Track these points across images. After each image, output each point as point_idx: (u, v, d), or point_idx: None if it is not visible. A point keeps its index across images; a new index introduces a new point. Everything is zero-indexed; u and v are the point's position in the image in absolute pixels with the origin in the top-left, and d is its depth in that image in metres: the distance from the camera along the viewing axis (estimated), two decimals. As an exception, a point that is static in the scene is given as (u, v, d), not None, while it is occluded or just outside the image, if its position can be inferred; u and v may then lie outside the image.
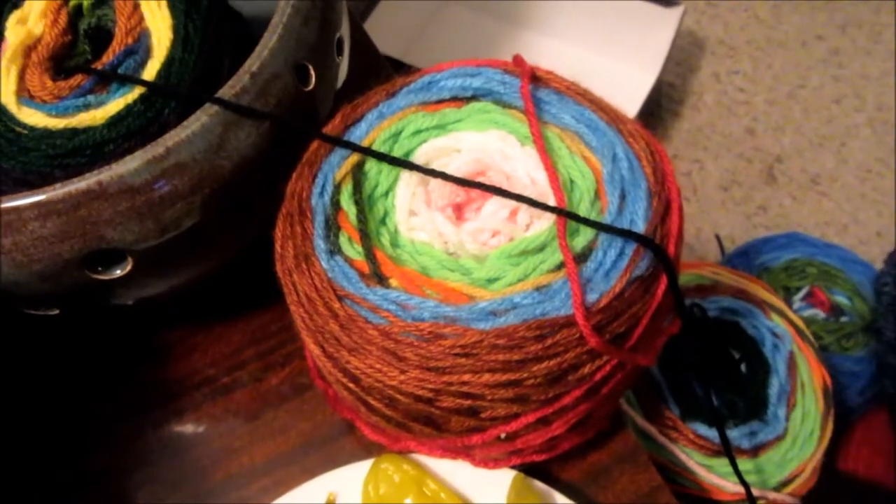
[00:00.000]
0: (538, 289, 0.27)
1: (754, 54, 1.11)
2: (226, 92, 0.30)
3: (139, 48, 0.33)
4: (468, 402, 0.28)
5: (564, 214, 0.28)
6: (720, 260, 0.64)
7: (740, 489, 0.41)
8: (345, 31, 0.38)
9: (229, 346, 0.41)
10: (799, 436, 0.44)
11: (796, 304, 0.57)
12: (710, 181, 1.03)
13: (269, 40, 0.32)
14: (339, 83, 0.38)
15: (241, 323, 0.41)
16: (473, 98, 0.32)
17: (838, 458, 0.58)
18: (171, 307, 0.41)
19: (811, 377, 0.45)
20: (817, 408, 0.45)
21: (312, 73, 0.33)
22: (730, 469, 0.42)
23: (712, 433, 0.43)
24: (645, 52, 0.94)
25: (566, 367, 0.27)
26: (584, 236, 0.28)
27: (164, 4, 0.34)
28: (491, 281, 0.28)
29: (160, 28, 0.34)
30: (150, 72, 0.33)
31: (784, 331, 0.46)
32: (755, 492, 0.42)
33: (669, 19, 0.95)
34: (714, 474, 0.41)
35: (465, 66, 0.33)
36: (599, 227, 0.28)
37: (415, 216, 0.30)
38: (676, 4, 0.96)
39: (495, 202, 0.29)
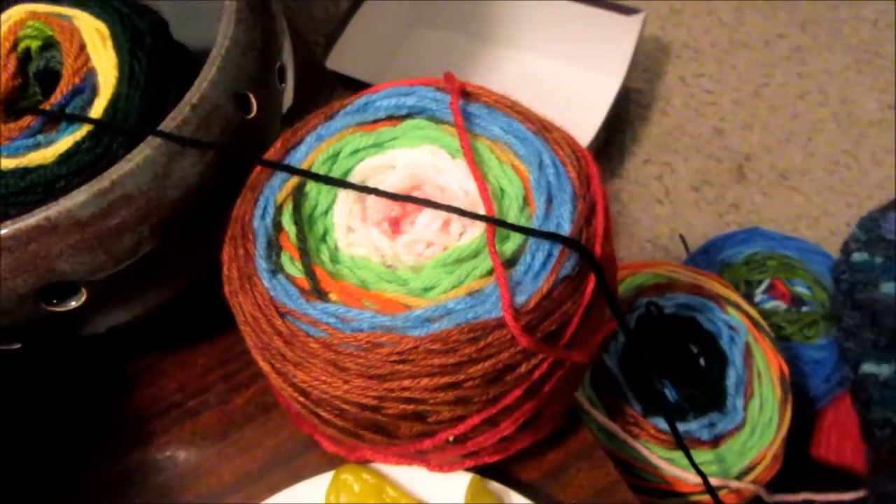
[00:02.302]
0: (471, 294, 0.29)
1: (718, 56, 1.13)
2: (168, 124, 0.32)
3: (86, 87, 0.35)
4: (412, 408, 0.29)
5: (493, 222, 0.29)
6: (685, 258, 0.65)
7: (697, 480, 0.42)
8: (287, 58, 0.39)
9: (195, 370, 0.42)
10: (758, 424, 0.45)
11: (758, 297, 0.58)
12: (682, 182, 1.04)
13: (208, 72, 0.33)
14: (286, 107, 0.39)
15: (206, 346, 0.42)
16: (408, 116, 0.34)
17: (811, 445, 0.59)
18: (138, 335, 0.42)
19: (768, 366, 0.46)
20: (775, 396, 0.46)
21: (254, 101, 0.35)
22: (687, 462, 0.43)
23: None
24: (610, 59, 0.96)
25: (501, 368, 0.29)
26: (513, 241, 0.30)
27: (109, 44, 0.36)
28: (427, 289, 0.29)
29: (106, 67, 0.35)
30: (97, 109, 0.34)
31: (739, 323, 0.47)
32: (717, 481, 0.43)
33: (631, 26, 0.97)
34: (676, 467, 0.42)
35: (399, 86, 0.34)
36: (525, 231, 0.29)
37: (353, 232, 0.31)
38: (637, 12, 0.98)
39: (428, 214, 0.31)
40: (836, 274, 0.55)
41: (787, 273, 0.58)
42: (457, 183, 0.32)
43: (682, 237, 0.73)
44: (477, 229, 0.30)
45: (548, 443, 0.37)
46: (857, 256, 0.55)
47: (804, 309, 0.57)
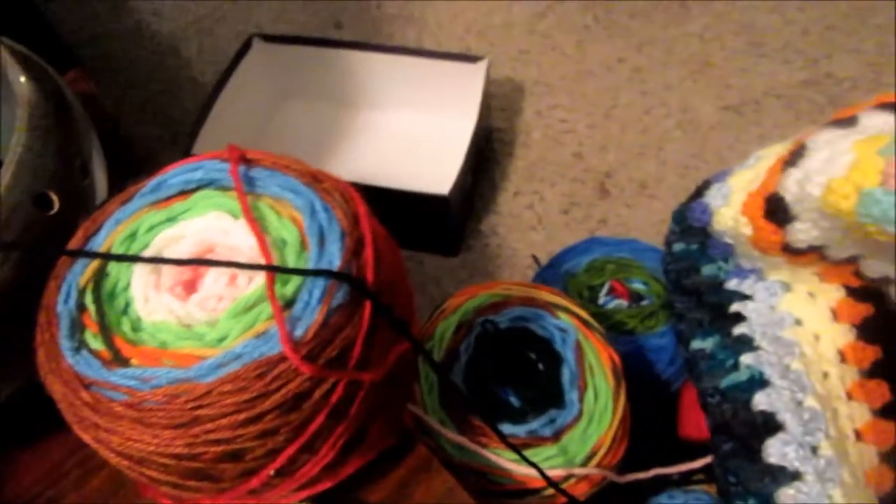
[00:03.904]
0: (257, 336, 0.32)
1: (568, 87, 1.21)
2: (-34, 231, 0.34)
3: None
4: (222, 448, 0.32)
5: (269, 269, 0.33)
6: (533, 276, 0.70)
7: (550, 473, 0.46)
8: (95, 154, 0.42)
9: (52, 459, 0.43)
10: (594, 413, 0.49)
11: (602, 299, 0.62)
12: (552, 208, 1.10)
13: (2, 178, 0.36)
14: (100, 197, 0.42)
15: (61, 435, 0.44)
16: (199, 188, 0.37)
17: (678, 427, 0.63)
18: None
19: (599, 360, 0.51)
20: (608, 385, 0.50)
21: (55, 198, 0.38)
22: (536, 459, 0.46)
23: (517, 429, 0.47)
24: (462, 104, 1.03)
25: (293, 397, 0.32)
26: (293, 283, 0.33)
27: (-87, 168, 0.38)
28: (221, 339, 0.33)
29: (-89, 189, 0.37)
30: None
31: (568, 324, 0.51)
32: (563, 471, 0.46)
33: (478, 72, 1.04)
34: (523, 466, 0.45)
35: (188, 163, 0.38)
36: (298, 272, 0.33)
37: (150, 301, 0.34)
38: (481, 59, 1.05)
39: (214, 273, 0.34)
40: (664, 266, 0.60)
41: (624, 273, 0.63)
42: (242, 241, 0.35)
43: (534, 257, 0.78)
44: (261, 278, 0.34)
45: (387, 463, 0.40)
46: (677, 247, 0.60)
47: (643, 303, 0.62)
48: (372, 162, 1.05)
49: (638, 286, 0.63)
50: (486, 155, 1.13)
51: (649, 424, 0.60)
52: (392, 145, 1.06)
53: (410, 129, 1.10)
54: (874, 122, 0.45)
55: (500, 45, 1.23)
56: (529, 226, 1.06)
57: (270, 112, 1.08)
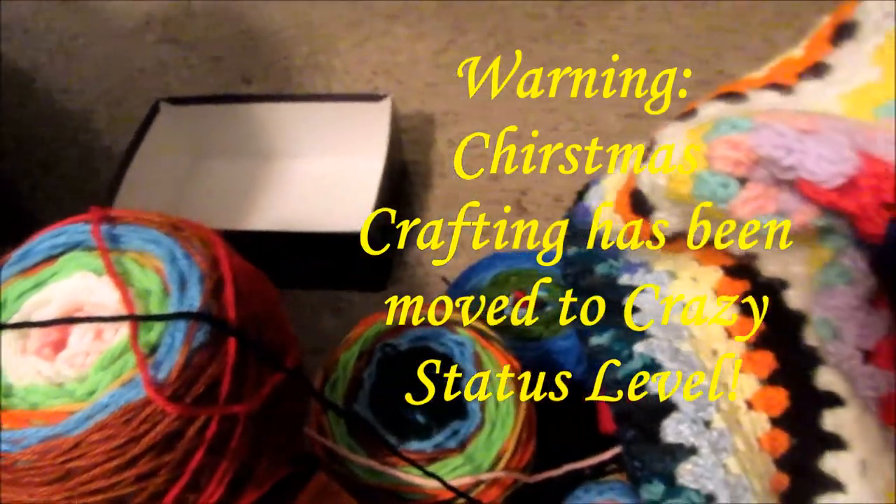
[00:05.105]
0: (124, 384, 0.33)
1: (477, 113, 1.25)
2: None
3: None
4: (102, 497, 0.33)
5: (129, 318, 0.34)
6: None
7: (459, 482, 0.47)
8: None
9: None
10: (496, 420, 0.50)
11: (508, 311, 0.65)
12: (473, 231, 1.12)
13: None
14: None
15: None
16: (65, 252, 0.39)
17: (598, 423, 0.65)
18: None
19: (498, 368, 0.53)
20: (508, 391, 0.52)
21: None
22: (445, 470, 0.48)
23: (424, 445, 0.49)
24: (373, 142, 1.05)
25: (163, 438, 0.33)
26: (157, 329, 0.35)
27: None
28: (91, 393, 0.34)
29: None
30: None
31: (466, 337, 0.53)
32: (471, 479, 0.47)
33: (383, 109, 1.07)
34: (431, 480, 0.46)
35: (52, 230, 0.39)
36: (156, 318, 0.34)
37: (18, 366, 0.35)
38: (385, 97, 1.09)
39: (79, 329, 0.35)
40: (563, 271, 0.63)
41: (527, 283, 0.66)
42: (107, 296, 0.36)
43: (443, 278, 0.80)
44: (126, 329, 0.35)
45: (286, 492, 0.41)
46: (570, 251, 0.63)
47: (547, 309, 0.64)
48: (292, 209, 1.07)
49: (541, 293, 0.65)
50: (404, 188, 1.16)
51: (568, 424, 0.62)
52: (310, 190, 1.08)
53: (326, 172, 1.13)
54: (709, 111, 0.48)
55: (407, 82, 1.27)
56: (453, 252, 1.08)
57: (186, 173, 1.10)
